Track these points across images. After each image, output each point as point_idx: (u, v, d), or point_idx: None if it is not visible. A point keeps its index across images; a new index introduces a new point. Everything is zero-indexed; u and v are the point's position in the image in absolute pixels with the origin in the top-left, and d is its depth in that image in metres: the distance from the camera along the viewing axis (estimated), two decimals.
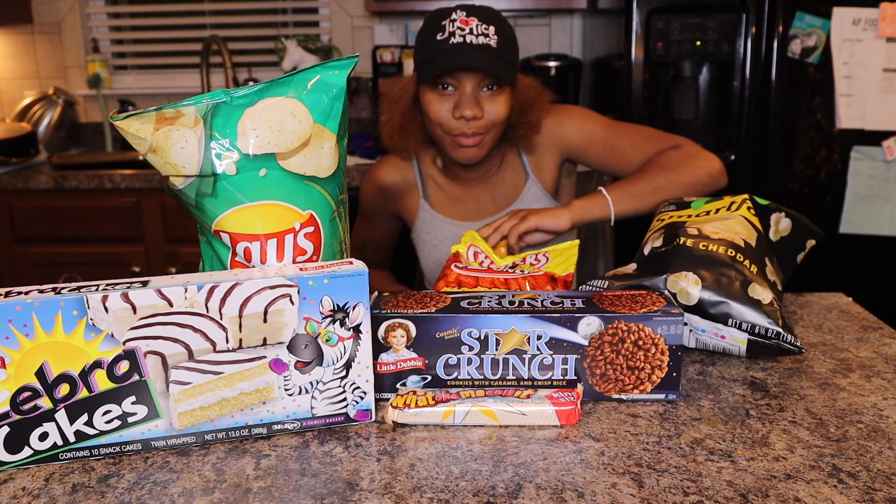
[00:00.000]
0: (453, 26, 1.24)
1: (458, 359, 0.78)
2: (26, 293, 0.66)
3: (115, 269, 2.53)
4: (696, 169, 1.27)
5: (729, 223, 0.97)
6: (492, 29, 1.25)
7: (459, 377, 0.79)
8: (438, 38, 1.24)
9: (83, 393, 0.67)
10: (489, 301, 0.80)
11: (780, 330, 0.86)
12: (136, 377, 0.68)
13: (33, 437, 0.68)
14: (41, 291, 0.67)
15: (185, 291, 0.67)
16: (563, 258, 1.05)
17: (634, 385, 0.79)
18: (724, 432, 0.73)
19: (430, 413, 0.74)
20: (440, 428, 0.74)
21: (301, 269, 0.72)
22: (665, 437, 0.73)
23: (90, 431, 0.68)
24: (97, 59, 3.02)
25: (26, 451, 0.68)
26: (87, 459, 0.70)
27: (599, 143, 1.38)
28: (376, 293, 0.85)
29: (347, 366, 0.73)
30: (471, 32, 1.23)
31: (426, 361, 0.79)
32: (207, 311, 0.68)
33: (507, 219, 1.19)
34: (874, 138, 2.14)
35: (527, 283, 0.98)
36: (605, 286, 0.95)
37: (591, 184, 1.66)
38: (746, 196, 1.04)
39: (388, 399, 0.80)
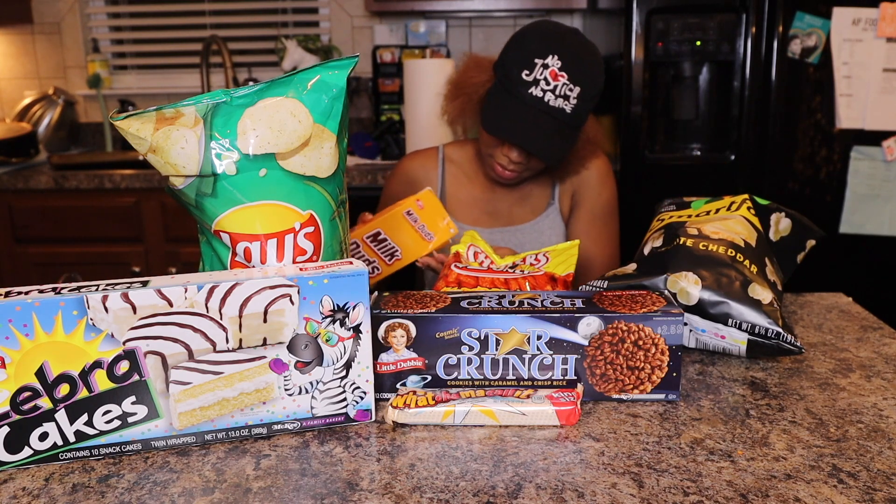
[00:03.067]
0: (542, 74, 1.22)
1: (458, 359, 0.78)
2: (26, 293, 0.66)
3: (115, 269, 2.53)
4: None
5: (729, 223, 0.97)
6: (577, 91, 1.23)
7: (459, 377, 0.79)
8: (524, 76, 1.23)
9: (83, 393, 0.67)
10: (489, 301, 0.80)
11: (780, 330, 0.86)
12: (136, 377, 0.68)
13: (33, 437, 0.68)
14: (41, 291, 0.67)
15: (185, 291, 0.67)
16: (563, 258, 1.05)
17: (634, 385, 0.79)
18: (724, 432, 0.73)
19: (430, 413, 0.74)
20: (440, 428, 0.74)
21: (301, 269, 0.72)
22: (665, 437, 0.73)
23: (90, 431, 0.68)
24: (97, 59, 3.02)
25: (26, 451, 0.68)
26: (87, 459, 0.70)
27: (589, 214, 1.43)
28: (376, 293, 0.85)
29: (347, 366, 0.73)
30: (553, 91, 1.22)
31: (426, 361, 0.79)
32: (207, 311, 0.68)
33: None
34: (874, 138, 2.14)
35: (527, 283, 0.98)
36: (605, 286, 0.95)
37: None
38: (746, 196, 1.04)
39: (388, 399, 0.80)
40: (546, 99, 1.22)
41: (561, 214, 1.45)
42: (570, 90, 1.23)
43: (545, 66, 1.22)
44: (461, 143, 1.51)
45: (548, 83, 1.22)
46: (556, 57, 1.22)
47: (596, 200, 1.44)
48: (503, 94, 1.26)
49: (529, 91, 1.22)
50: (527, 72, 1.23)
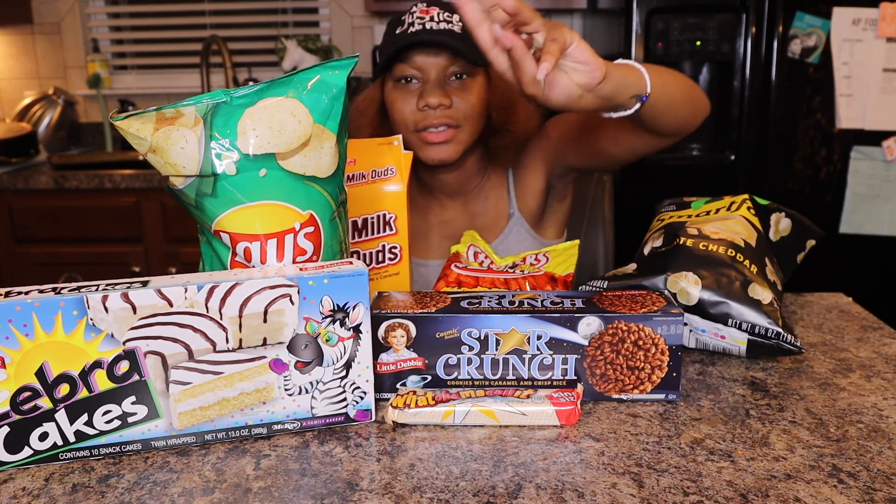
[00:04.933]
0: (412, 17, 1.15)
1: (458, 359, 0.78)
2: (26, 293, 0.66)
3: (115, 269, 2.54)
4: (704, 97, 1.09)
5: (729, 223, 0.97)
6: (455, 17, 1.14)
7: (459, 377, 0.79)
8: (398, 31, 1.15)
9: (83, 393, 0.67)
10: (489, 301, 0.80)
11: (780, 330, 0.86)
12: (136, 377, 0.68)
13: (33, 437, 0.68)
14: (41, 291, 0.67)
15: (185, 291, 0.67)
16: (563, 258, 1.05)
17: (634, 385, 0.79)
18: (724, 432, 0.73)
19: (430, 413, 0.74)
20: (440, 428, 0.74)
21: (301, 269, 0.72)
22: (665, 437, 0.73)
23: (90, 431, 0.68)
24: (97, 59, 3.02)
25: (26, 451, 0.68)
26: (87, 459, 0.70)
27: (577, 126, 1.21)
28: (376, 293, 0.85)
29: (347, 366, 0.73)
30: (431, 20, 1.13)
31: (426, 361, 0.79)
32: (207, 311, 0.68)
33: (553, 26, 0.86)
34: (874, 138, 2.14)
35: (527, 283, 0.98)
36: (605, 286, 0.95)
37: (591, 186, 1.66)
38: (746, 196, 1.04)
39: (388, 399, 0.80)
40: (427, 27, 1.12)
41: (526, 221, 1.31)
42: (449, 17, 1.14)
43: (412, 13, 1.16)
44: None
45: (421, 18, 1.14)
46: (417, 4, 1.17)
47: (569, 117, 1.23)
48: (384, 55, 1.16)
49: (408, 31, 1.13)
50: (398, 27, 1.16)
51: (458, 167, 1.27)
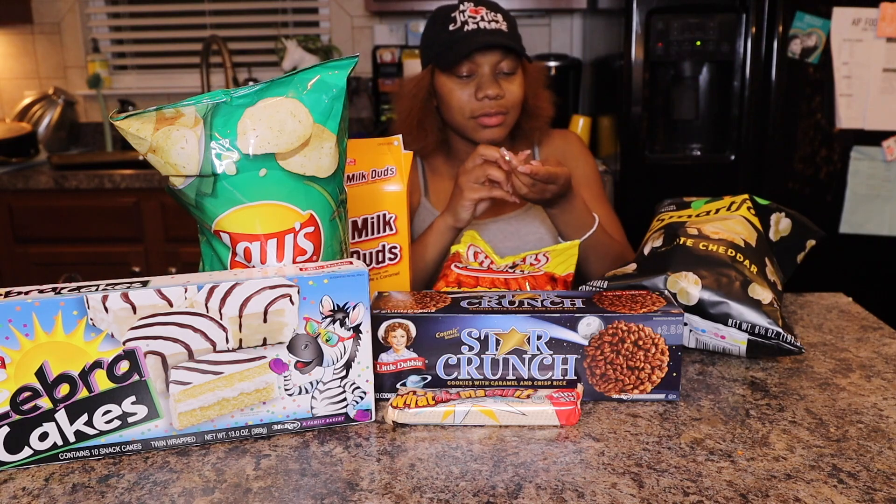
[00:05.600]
0: (464, 16, 1.31)
1: (458, 359, 0.78)
2: (26, 293, 0.66)
3: (115, 269, 2.53)
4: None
5: (729, 223, 0.97)
6: (500, 16, 1.32)
7: (459, 377, 0.79)
8: (451, 28, 1.31)
9: (83, 393, 0.67)
10: (489, 301, 0.80)
11: (780, 330, 0.86)
12: (136, 377, 0.68)
13: (33, 437, 0.68)
14: (41, 291, 0.67)
15: (185, 291, 0.67)
16: (563, 258, 1.05)
17: (634, 385, 0.79)
18: (724, 432, 0.73)
19: (430, 413, 0.74)
20: (440, 428, 0.74)
21: (301, 269, 0.72)
22: (665, 437, 0.73)
23: (90, 431, 0.68)
24: (97, 59, 3.02)
25: (26, 451, 0.68)
26: (87, 459, 0.70)
27: (578, 184, 1.38)
28: (376, 293, 0.85)
29: (347, 366, 0.73)
30: (482, 19, 1.30)
31: (426, 361, 0.79)
32: (207, 311, 0.68)
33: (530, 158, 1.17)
34: (874, 138, 2.14)
35: (527, 283, 0.98)
36: (605, 286, 0.95)
37: None
38: (746, 196, 1.04)
39: (388, 399, 0.80)
40: (482, 26, 1.30)
41: None
42: (495, 16, 1.32)
43: (462, 12, 1.31)
44: (440, 147, 1.51)
45: (473, 17, 1.31)
46: (464, 3, 1.32)
47: (583, 169, 1.47)
48: (446, 51, 1.30)
49: (465, 29, 1.29)
50: (451, 25, 1.31)
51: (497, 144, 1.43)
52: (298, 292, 0.69)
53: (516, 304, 0.80)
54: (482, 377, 0.79)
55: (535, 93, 1.43)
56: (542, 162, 1.13)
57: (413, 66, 2.35)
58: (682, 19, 2.09)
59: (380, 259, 1.04)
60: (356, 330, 0.72)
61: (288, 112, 0.72)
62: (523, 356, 0.78)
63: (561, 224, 1.21)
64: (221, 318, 0.68)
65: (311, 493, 0.64)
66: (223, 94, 0.72)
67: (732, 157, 2.18)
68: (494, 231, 1.44)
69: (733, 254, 0.92)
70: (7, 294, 0.66)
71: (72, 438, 0.68)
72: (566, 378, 0.79)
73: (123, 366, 0.67)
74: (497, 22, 1.31)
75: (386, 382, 0.80)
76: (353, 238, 1.01)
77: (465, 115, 1.35)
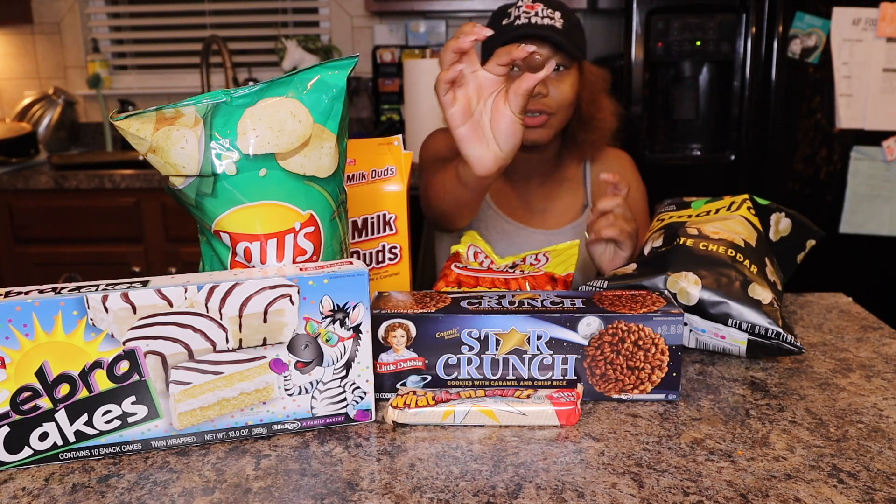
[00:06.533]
0: (518, 11, 1.26)
1: (458, 359, 0.78)
2: (26, 293, 0.66)
3: (115, 269, 2.54)
4: None
5: (729, 223, 0.97)
6: (557, 14, 1.26)
7: (459, 377, 0.79)
8: (503, 23, 1.26)
9: (83, 393, 0.67)
10: (489, 301, 0.80)
11: (780, 330, 0.86)
12: (136, 377, 0.68)
13: (33, 437, 0.68)
14: (41, 291, 0.67)
15: (185, 291, 0.67)
16: (563, 258, 1.05)
17: (634, 385, 0.79)
18: (724, 432, 0.73)
19: (430, 413, 0.74)
20: (440, 428, 0.74)
21: (301, 269, 0.72)
22: (665, 437, 0.73)
23: (90, 431, 0.68)
24: (97, 59, 3.02)
25: (26, 451, 0.68)
26: (87, 459, 0.70)
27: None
28: (376, 293, 0.85)
29: (347, 366, 0.73)
30: (536, 15, 1.25)
31: (426, 361, 0.79)
32: (207, 311, 0.68)
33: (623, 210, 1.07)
34: (874, 138, 2.14)
35: (527, 283, 0.98)
36: (605, 286, 0.95)
37: None
38: (746, 196, 1.04)
39: (388, 399, 0.80)
40: (533, 21, 1.24)
41: None
42: (552, 13, 1.26)
43: (518, 7, 1.27)
44: None
45: (527, 13, 1.25)
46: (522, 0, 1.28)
47: (634, 195, 1.43)
48: (492, 46, 1.24)
49: (515, 24, 1.24)
50: (504, 20, 1.26)
51: (541, 150, 1.38)
52: (298, 292, 0.70)
53: (516, 304, 0.80)
54: (482, 377, 0.79)
55: (593, 99, 1.34)
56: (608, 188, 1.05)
57: (413, 66, 2.35)
58: (682, 19, 2.09)
59: (380, 259, 1.04)
60: (356, 330, 0.72)
61: (288, 112, 0.72)
62: (523, 356, 0.78)
63: (608, 263, 1.09)
64: (221, 318, 0.68)
65: (311, 493, 0.64)
66: (223, 94, 0.72)
67: (732, 157, 2.18)
68: (539, 243, 1.40)
69: (733, 254, 0.92)
70: (7, 294, 0.66)
71: (72, 438, 0.68)
72: (566, 378, 0.79)
73: (123, 366, 0.67)
74: (552, 18, 1.25)
75: (386, 382, 0.80)
76: (353, 238, 1.01)
77: None
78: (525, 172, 1.42)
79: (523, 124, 0.92)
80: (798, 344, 0.86)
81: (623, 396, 0.79)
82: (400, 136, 1.06)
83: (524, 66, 0.89)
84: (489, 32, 0.88)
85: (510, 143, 0.92)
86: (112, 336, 0.66)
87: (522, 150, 1.36)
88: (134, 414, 0.69)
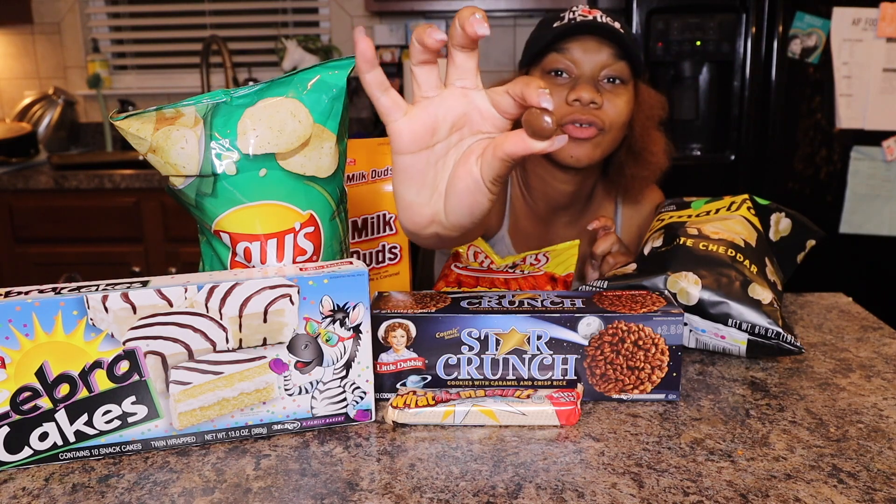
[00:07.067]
0: (573, 14, 1.10)
1: (458, 359, 0.78)
2: (26, 293, 0.66)
3: (115, 269, 2.54)
4: None
5: (729, 223, 0.98)
6: (617, 24, 1.11)
7: (459, 377, 0.79)
8: (555, 25, 1.10)
9: (83, 393, 0.67)
10: (489, 301, 0.80)
11: (780, 330, 0.86)
12: (136, 377, 0.68)
13: (33, 437, 0.68)
14: (41, 291, 0.67)
15: (185, 291, 0.67)
16: (563, 258, 1.05)
17: (634, 385, 0.79)
18: (724, 432, 0.73)
19: (430, 413, 0.74)
20: (440, 428, 0.74)
21: (301, 269, 0.72)
22: (665, 437, 0.73)
23: (90, 431, 0.68)
24: (97, 59, 3.02)
25: (26, 451, 0.68)
26: (87, 459, 0.70)
27: None
28: (376, 293, 0.85)
29: (347, 366, 0.73)
30: (595, 18, 1.09)
31: (426, 361, 0.79)
32: (207, 311, 0.68)
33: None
34: (874, 138, 2.14)
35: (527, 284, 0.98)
36: (605, 286, 0.95)
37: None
38: (746, 196, 1.04)
39: (388, 399, 0.80)
40: (596, 20, 1.07)
41: None
42: (612, 21, 1.10)
43: (573, 11, 1.10)
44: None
45: (584, 16, 1.08)
46: (579, 5, 1.12)
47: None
48: (538, 45, 1.09)
49: (572, 23, 1.07)
50: (557, 22, 1.10)
51: (580, 178, 1.19)
52: (298, 292, 0.70)
53: (516, 304, 0.80)
54: (482, 377, 0.79)
55: (646, 131, 1.16)
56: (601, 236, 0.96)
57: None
58: (682, 19, 2.09)
59: (380, 259, 1.04)
60: (356, 330, 0.72)
61: (288, 112, 0.73)
62: (523, 356, 0.78)
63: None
64: (221, 318, 0.68)
65: (311, 493, 0.64)
66: (223, 94, 0.72)
67: (732, 157, 2.18)
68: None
69: (733, 254, 0.92)
70: (7, 294, 0.66)
71: (72, 438, 0.68)
72: (566, 378, 0.79)
73: (123, 366, 0.67)
74: (614, 23, 1.09)
75: (386, 382, 0.80)
76: (353, 238, 1.01)
77: None
78: (553, 206, 1.24)
79: (489, 201, 0.62)
80: (798, 344, 0.86)
81: (623, 396, 0.79)
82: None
83: (527, 127, 0.55)
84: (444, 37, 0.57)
85: (460, 216, 0.63)
86: (112, 336, 0.66)
87: (560, 171, 1.16)
88: (134, 414, 0.69)
